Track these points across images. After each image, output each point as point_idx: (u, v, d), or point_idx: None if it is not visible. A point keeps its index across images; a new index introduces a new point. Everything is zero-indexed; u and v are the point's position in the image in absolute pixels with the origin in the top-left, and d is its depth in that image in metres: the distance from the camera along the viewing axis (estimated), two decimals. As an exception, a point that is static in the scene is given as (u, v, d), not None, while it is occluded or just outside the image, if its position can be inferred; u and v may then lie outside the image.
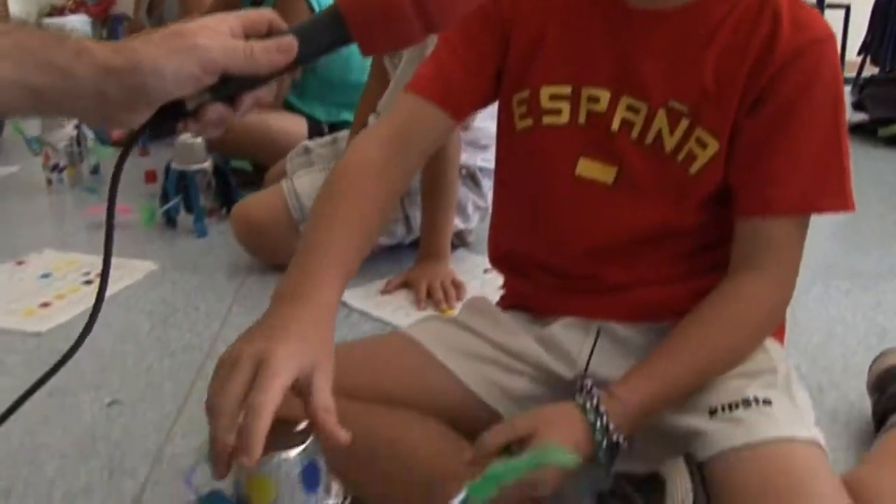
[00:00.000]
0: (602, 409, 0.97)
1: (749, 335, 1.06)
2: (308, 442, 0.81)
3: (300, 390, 0.80)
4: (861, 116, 3.53)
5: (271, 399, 0.77)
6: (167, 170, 2.32)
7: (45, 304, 1.86)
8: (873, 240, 2.27)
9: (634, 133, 1.06)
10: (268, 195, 2.04)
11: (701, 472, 0.98)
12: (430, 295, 1.84)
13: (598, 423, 0.96)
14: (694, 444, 1.01)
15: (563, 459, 0.89)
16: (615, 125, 1.07)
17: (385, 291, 1.89)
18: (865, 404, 1.38)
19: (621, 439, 0.97)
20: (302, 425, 0.82)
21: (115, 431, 1.36)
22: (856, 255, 2.13)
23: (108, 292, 1.87)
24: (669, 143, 1.04)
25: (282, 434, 0.79)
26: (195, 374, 1.55)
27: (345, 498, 0.85)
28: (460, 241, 2.16)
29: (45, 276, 2.03)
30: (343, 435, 0.79)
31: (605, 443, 0.97)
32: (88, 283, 1.95)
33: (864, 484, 1.03)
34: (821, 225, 2.33)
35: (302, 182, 2.00)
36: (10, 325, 1.76)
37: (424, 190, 1.92)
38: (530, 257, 1.19)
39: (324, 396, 0.81)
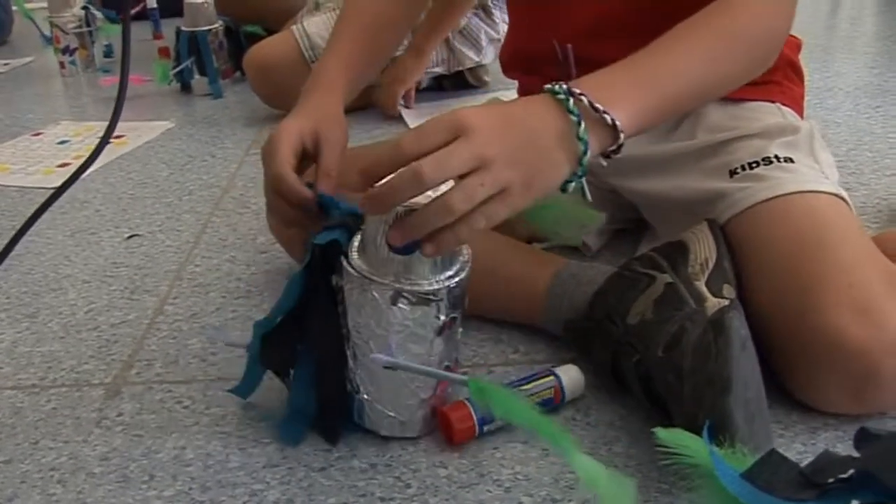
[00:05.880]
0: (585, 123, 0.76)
1: (746, 50, 0.92)
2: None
3: (312, 158, 0.95)
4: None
5: (279, 162, 0.92)
6: (178, 33, 2.28)
7: (64, 165, 1.85)
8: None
9: None
10: (279, 38, 2.02)
11: (724, 234, 0.96)
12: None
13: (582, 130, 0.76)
14: (717, 208, 0.98)
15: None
16: None
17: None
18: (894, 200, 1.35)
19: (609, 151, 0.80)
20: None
21: (136, 258, 1.36)
22: (886, 76, 2.06)
23: (126, 149, 1.88)
24: None
25: None
26: (213, 206, 1.54)
27: None
28: (476, 79, 2.12)
29: (63, 142, 2.02)
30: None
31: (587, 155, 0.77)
32: (106, 143, 1.93)
33: (892, 238, 1.00)
34: (851, 51, 2.30)
35: (311, 23, 1.99)
36: (30, 184, 1.75)
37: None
38: (535, 51, 1.17)
39: (326, 162, 0.93)
